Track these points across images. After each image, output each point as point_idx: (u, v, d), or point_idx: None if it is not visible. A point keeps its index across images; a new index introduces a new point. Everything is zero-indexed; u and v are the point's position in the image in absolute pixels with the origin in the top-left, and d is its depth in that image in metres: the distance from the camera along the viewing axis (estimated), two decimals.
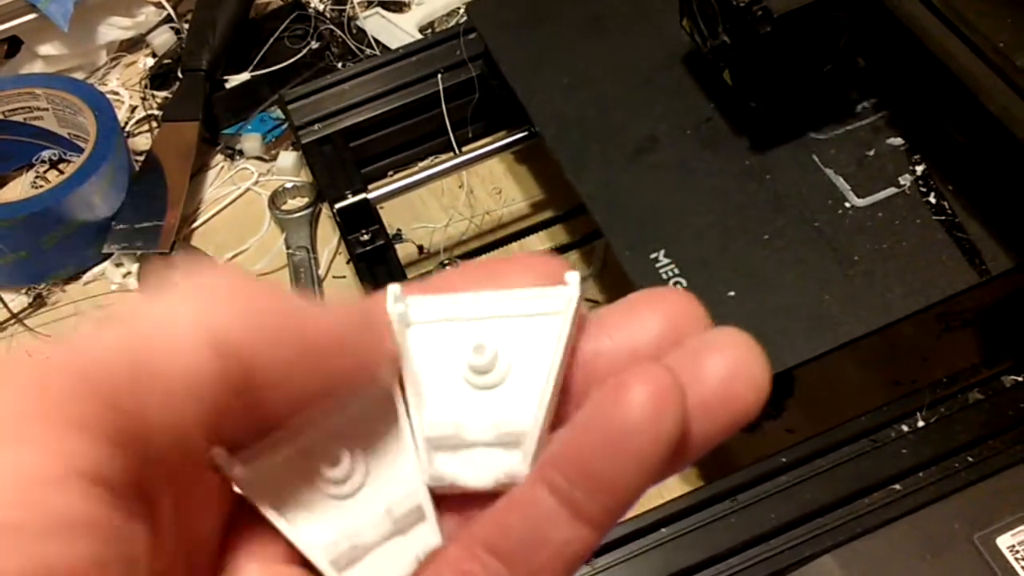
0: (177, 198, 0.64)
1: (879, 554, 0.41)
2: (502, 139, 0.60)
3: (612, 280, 0.59)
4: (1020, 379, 0.45)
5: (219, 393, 0.16)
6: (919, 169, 0.48)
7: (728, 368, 0.17)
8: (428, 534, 0.18)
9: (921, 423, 0.44)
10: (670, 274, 0.46)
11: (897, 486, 0.43)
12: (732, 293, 0.45)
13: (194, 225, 0.66)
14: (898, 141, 0.49)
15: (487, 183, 0.65)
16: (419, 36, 0.71)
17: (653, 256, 0.47)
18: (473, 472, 0.18)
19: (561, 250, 0.60)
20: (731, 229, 0.47)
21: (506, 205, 0.64)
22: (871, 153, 0.49)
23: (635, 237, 0.48)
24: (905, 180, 0.48)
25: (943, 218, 0.46)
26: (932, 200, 0.47)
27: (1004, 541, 0.40)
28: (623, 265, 0.47)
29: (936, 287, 0.44)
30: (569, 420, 0.18)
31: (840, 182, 0.48)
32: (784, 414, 0.45)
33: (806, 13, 0.45)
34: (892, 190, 0.48)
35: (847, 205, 0.48)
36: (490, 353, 0.19)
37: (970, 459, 0.43)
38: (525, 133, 0.58)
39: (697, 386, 0.17)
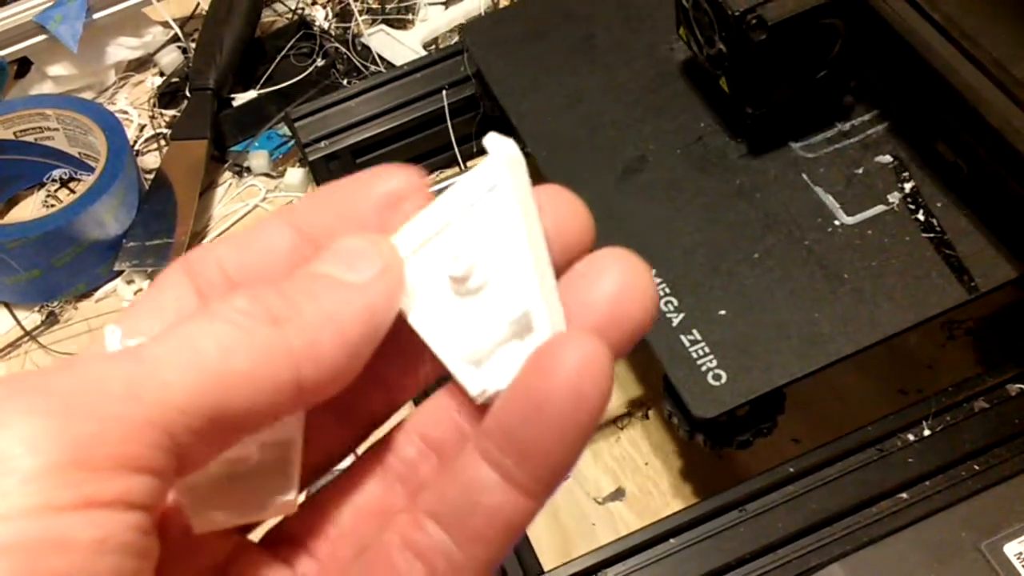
0: (187, 215, 0.64)
1: (886, 563, 0.41)
2: None
3: None
4: None
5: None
6: (907, 186, 0.48)
7: (617, 289, 0.18)
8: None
9: (927, 432, 0.44)
10: (660, 293, 0.46)
11: (904, 495, 0.43)
12: (723, 312, 0.45)
13: (204, 242, 0.66)
14: (887, 159, 0.49)
15: None
16: (423, 53, 0.72)
17: None
18: (505, 372, 0.18)
19: None
20: (721, 248, 0.47)
21: None
22: (860, 171, 0.49)
23: None
24: (894, 198, 0.48)
25: (932, 235, 0.46)
26: (921, 217, 0.47)
27: (1012, 549, 0.40)
28: None
29: (925, 304, 0.44)
30: None
31: (829, 200, 0.48)
32: (775, 431, 0.45)
33: (800, 21, 0.46)
34: (881, 208, 0.48)
35: (836, 223, 0.48)
36: (465, 260, 0.19)
37: (976, 467, 0.43)
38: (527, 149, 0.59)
39: (588, 310, 0.18)
